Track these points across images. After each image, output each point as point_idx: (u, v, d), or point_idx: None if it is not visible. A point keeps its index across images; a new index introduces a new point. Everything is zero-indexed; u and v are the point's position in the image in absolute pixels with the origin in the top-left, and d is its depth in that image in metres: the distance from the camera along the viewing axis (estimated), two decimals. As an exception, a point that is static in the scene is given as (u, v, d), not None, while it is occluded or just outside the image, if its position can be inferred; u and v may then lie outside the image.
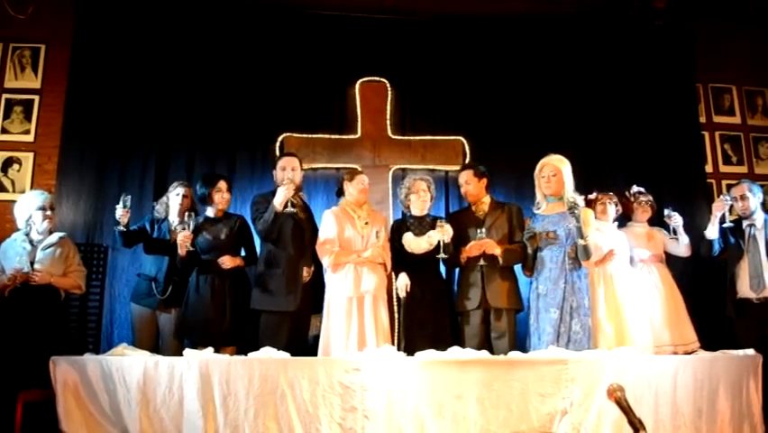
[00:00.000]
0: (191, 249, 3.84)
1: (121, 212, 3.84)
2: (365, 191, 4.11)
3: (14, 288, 3.60)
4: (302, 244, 4.01)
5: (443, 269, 4.36)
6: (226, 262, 3.96)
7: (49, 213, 3.85)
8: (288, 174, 4.00)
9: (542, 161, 4.00)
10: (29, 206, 3.85)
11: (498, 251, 3.92)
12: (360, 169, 4.41)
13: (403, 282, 3.89)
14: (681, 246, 4.38)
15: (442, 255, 3.87)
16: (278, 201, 3.83)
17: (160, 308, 4.06)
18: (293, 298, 3.89)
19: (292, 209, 3.85)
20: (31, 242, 3.79)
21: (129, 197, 3.89)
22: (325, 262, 3.96)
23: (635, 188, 4.52)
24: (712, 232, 4.26)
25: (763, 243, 4.18)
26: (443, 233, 3.84)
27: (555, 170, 3.93)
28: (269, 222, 3.88)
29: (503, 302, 3.94)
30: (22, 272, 3.62)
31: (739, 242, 4.26)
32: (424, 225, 4.04)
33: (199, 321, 3.89)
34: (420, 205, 4.10)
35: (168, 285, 4.04)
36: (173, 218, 4.17)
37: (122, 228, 3.88)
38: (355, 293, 3.89)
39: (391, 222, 4.41)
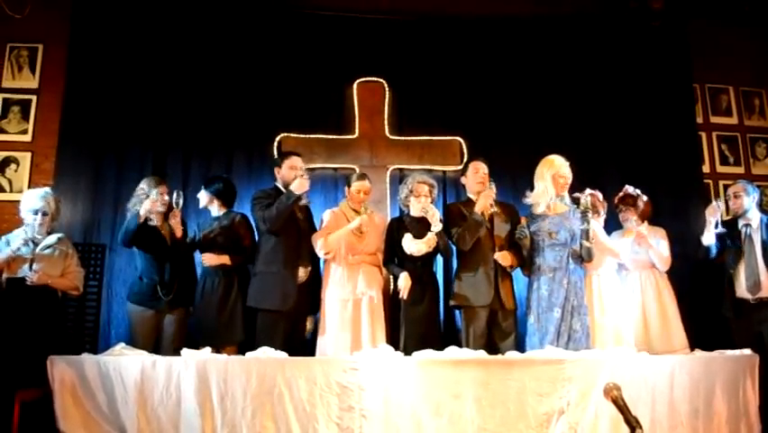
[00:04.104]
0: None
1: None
2: (358, 200, 4.11)
3: (10, 288, 3.59)
4: (299, 245, 4.00)
5: (438, 270, 4.36)
6: (209, 259, 4.01)
7: (39, 218, 3.78)
8: (297, 173, 3.96)
9: (558, 162, 3.96)
10: (24, 207, 3.84)
11: (507, 262, 3.92)
12: (362, 174, 4.30)
13: (405, 284, 3.88)
14: (655, 258, 4.27)
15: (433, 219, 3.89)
16: (298, 188, 3.85)
17: (166, 310, 4.01)
18: (289, 297, 3.88)
19: (306, 201, 4.02)
20: (30, 241, 3.76)
21: (181, 198, 3.87)
22: (318, 246, 3.95)
23: (623, 193, 4.42)
24: (708, 238, 4.26)
25: (759, 243, 4.19)
26: (426, 211, 3.90)
27: (571, 171, 3.96)
28: (288, 205, 3.85)
29: (511, 302, 3.96)
30: (14, 259, 3.61)
31: (737, 243, 4.26)
32: (421, 226, 4.02)
33: (211, 323, 3.93)
34: (419, 208, 4.07)
35: (172, 286, 4.00)
36: (143, 212, 3.94)
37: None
38: (352, 295, 3.90)
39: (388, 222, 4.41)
